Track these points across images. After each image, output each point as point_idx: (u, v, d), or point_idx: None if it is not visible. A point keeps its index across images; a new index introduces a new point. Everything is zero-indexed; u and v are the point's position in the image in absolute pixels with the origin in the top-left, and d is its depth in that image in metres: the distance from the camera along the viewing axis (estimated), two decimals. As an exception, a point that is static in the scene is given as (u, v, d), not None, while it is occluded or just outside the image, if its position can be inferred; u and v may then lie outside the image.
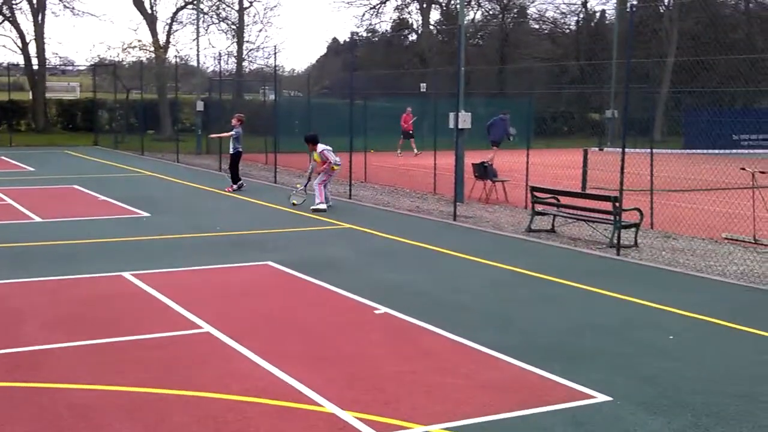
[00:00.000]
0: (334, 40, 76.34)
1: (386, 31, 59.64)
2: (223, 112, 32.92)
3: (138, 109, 42.74)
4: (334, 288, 10.67)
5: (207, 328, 8.74)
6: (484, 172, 20.67)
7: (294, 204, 18.87)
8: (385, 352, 8.05)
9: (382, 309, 9.60)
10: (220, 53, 42.22)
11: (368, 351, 8.11)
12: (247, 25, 51.34)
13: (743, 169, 16.03)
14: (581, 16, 56.06)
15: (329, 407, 6.52)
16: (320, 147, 18.86)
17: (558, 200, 15.89)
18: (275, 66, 27.46)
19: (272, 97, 28.04)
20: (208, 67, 45.96)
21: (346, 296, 10.28)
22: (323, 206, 18.22)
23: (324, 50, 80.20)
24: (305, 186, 19.28)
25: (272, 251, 13.16)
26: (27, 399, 6.71)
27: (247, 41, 51.18)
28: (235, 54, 50.29)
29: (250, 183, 23.25)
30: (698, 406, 6.65)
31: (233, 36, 50.91)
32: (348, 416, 6.33)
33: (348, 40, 54.00)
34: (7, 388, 6.92)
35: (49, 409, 6.48)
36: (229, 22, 50.76)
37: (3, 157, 32.99)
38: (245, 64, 51.30)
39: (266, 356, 7.75)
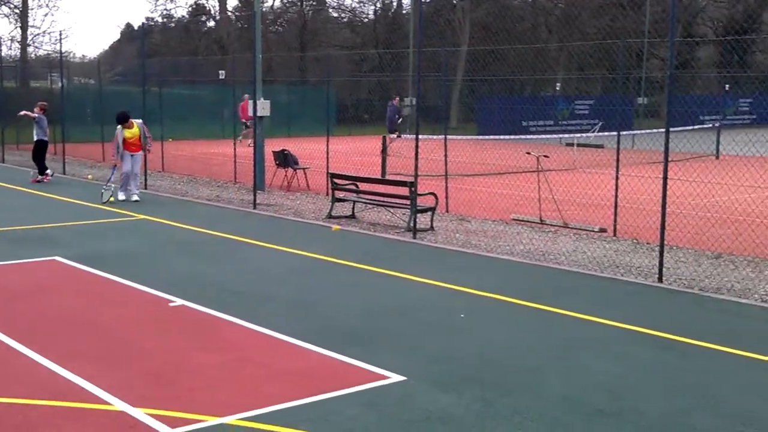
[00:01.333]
0: (128, 25, 73.75)
1: (183, 16, 58.21)
2: (7, 100, 30.95)
3: None
4: (127, 282, 10.29)
5: (-13, 330, 8.18)
6: (284, 159, 20.61)
7: (107, 201, 17.40)
8: (180, 346, 7.84)
9: (178, 301, 9.35)
10: (1, 39, 39.69)
11: (163, 345, 7.86)
12: (32, 9, 48.61)
13: (529, 153, 16.87)
14: (378, 5, 57.08)
15: (119, 405, 6.26)
16: (137, 120, 18.12)
17: (357, 186, 16.09)
18: (61, 52, 26.07)
19: (60, 84, 26.61)
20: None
21: (140, 290, 9.94)
22: (130, 197, 17.62)
23: (118, 36, 77.26)
24: (110, 178, 18.16)
25: (60, 246, 12.51)
26: None
27: (32, 26, 48.43)
28: (19, 39, 47.46)
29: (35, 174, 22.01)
30: (487, 380, 6.92)
31: (17, 20, 48.02)
32: (139, 413, 6.11)
33: (142, 25, 52.19)
34: None
35: None
36: (12, 6, 47.84)
37: None
38: (30, 49, 48.52)
39: (51, 357, 7.34)
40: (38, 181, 21.04)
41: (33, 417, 6.08)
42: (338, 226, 14.04)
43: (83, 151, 26.58)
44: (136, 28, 67.29)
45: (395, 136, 28.20)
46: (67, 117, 26.06)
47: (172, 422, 5.95)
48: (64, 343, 7.80)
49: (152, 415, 6.07)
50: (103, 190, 17.78)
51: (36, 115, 21.20)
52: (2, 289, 9.83)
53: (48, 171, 21.41)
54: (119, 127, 17.71)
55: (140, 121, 18.20)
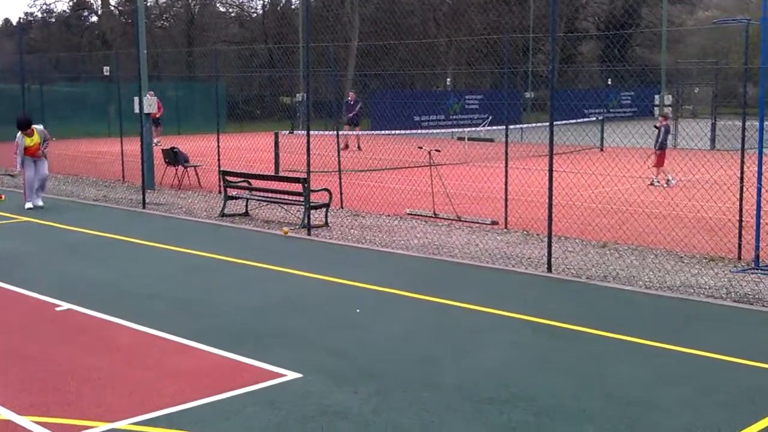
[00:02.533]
0: (6, 21, 70.89)
1: (64, 11, 56.35)
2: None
3: None
4: (9, 287, 9.92)
5: None
6: (174, 157, 20.22)
7: None
8: (67, 351, 7.60)
9: (65, 305, 9.06)
10: None
11: (49, 350, 7.61)
12: None
13: (421, 147, 17.04)
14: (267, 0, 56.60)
15: (5, 414, 6.03)
16: (38, 126, 17.03)
17: (250, 184, 15.93)
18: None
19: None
20: None
21: (24, 294, 9.60)
22: (32, 204, 16.62)
23: (-6, 32, 74.17)
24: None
25: (-62, 251, 11.96)
26: None
27: None
28: None
29: None
30: (383, 372, 6.96)
31: None
32: (25, 421, 5.90)
33: (20, 20, 50.31)
34: None
35: None
36: None
37: None
38: None
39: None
40: None
41: None
42: (287, 229, 13.71)
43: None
44: (14, 23, 64.78)
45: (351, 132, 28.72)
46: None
47: (61, 430, 5.76)
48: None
49: (40, 423, 5.87)
50: None
51: None
52: None
53: None
54: (19, 133, 16.46)
55: (41, 126, 17.15)
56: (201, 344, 7.72)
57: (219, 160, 18.95)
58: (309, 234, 13.68)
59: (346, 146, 29.18)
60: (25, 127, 16.46)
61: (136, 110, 19.06)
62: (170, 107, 36.39)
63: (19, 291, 9.74)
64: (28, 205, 16.56)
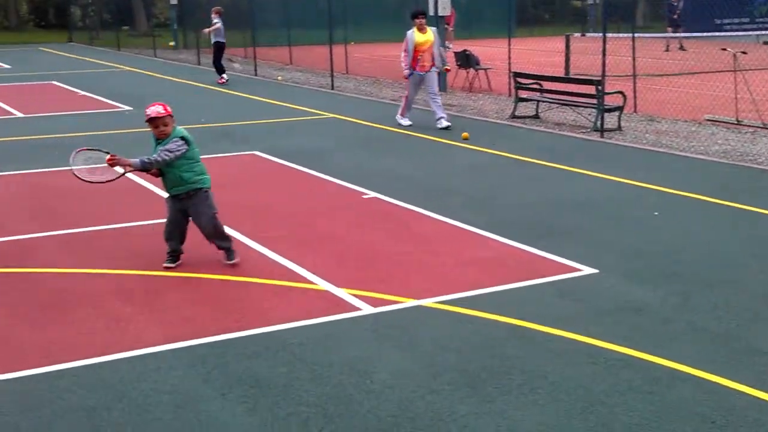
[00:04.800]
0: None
1: None
2: (198, 5, 32.26)
3: (111, 5, 41.77)
4: (321, 175, 10.74)
5: (197, 215, 8.80)
6: (466, 60, 20.49)
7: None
8: (375, 234, 8.18)
9: (371, 194, 9.68)
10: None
11: (358, 233, 8.23)
12: None
13: (724, 49, 15.97)
14: None
15: (323, 285, 6.66)
16: (432, 28, 14.60)
17: (541, 86, 15.85)
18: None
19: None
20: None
21: (334, 182, 10.36)
22: (406, 122, 14.68)
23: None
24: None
25: (258, 141, 13.15)
26: (21, 282, 6.83)
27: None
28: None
29: (230, 76, 22.97)
30: (683, 273, 6.84)
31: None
32: (342, 293, 6.49)
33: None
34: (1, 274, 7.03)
35: (40, 291, 6.60)
36: None
37: (-24, 56, 32.38)
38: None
39: (258, 240, 7.85)
40: (224, 83, 21.88)
41: (252, 291, 6.60)
42: (467, 134, 13.51)
43: (272, 54, 27.42)
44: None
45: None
46: (256, 22, 26.88)
47: (373, 302, 6.28)
48: (266, 228, 8.30)
49: (354, 295, 6.43)
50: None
51: (218, 25, 21.84)
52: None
53: (224, 75, 22.13)
54: (411, 31, 14.23)
55: (434, 29, 14.70)
56: (496, 235, 7.98)
57: (509, 62, 18.97)
58: (602, 137, 13.45)
59: (667, 48, 28.28)
60: (418, 14, 14.26)
61: (431, 12, 19.46)
62: (462, 12, 36.65)
63: (327, 178, 10.53)
64: (405, 121, 14.66)
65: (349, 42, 26.16)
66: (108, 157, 6.89)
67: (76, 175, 7.18)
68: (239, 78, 23.00)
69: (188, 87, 21.61)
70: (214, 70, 22.06)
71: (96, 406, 4.76)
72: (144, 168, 6.96)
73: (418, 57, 14.18)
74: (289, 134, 14.06)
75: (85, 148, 7.27)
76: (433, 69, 14.37)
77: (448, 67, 14.94)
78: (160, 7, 45.23)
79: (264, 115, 16.18)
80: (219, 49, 21.90)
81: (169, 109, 6.95)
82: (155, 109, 6.89)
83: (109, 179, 7.26)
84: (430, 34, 14.18)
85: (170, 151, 6.85)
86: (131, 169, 7.01)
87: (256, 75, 24.04)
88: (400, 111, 14.89)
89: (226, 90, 20.59)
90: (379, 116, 15.89)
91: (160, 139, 6.93)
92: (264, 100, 18.54)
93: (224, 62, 22.23)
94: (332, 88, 20.52)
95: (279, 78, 23.33)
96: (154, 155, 6.88)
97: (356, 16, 34.69)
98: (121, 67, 27.69)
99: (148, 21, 41.26)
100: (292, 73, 24.83)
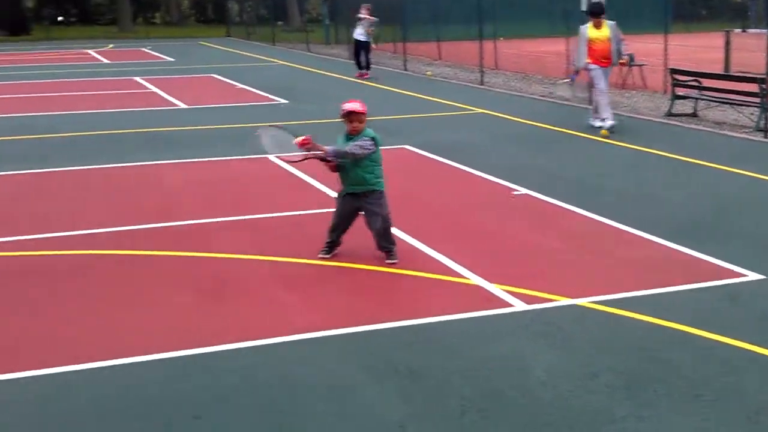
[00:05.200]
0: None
1: None
2: (348, 1, 32.79)
3: (267, 0, 43.06)
4: (471, 170, 10.74)
5: (351, 206, 8.98)
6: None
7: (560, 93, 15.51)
8: (527, 231, 8.13)
9: (521, 190, 9.62)
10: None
11: (510, 229, 8.20)
12: None
13: None
14: None
15: (475, 280, 6.68)
16: (610, 22, 13.36)
17: (700, 83, 15.29)
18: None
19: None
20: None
21: (484, 178, 10.35)
22: (608, 123, 13.25)
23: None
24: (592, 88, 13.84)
25: (408, 136, 13.28)
26: (195, 265, 7.17)
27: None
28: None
29: (381, 71, 23.27)
30: None
31: None
32: (494, 288, 6.48)
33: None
34: (175, 257, 7.40)
35: (214, 274, 6.91)
36: None
37: (143, 49, 34.13)
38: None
39: (412, 233, 7.94)
40: (365, 77, 22.20)
41: (406, 283, 6.70)
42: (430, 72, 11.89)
43: (421, 49, 27.60)
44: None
45: None
46: (407, 17, 27.11)
47: (526, 299, 6.25)
48: (418, 222, 8.38)
49: (507, 291, 6.41)
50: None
51: (374, 18, 22.19)
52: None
53: (363, 70, 22.38)
54: (585, 25, 13.39)
55: (613, 22, 13.44)
56: (652, 235, 7.76)
57: (666, 59, 18.37)
58: (766, 137, 12.85)
59: None
60: (597, 13, 13.21)
61: (583, 8, 19.09)
62: (614, 7, 35.72)
63: (478, 174, 10.52)
64: (600, 123, 13.38)
65: (499, 37, 25.99)
66: (302, 139, 6.97)
67: (266, 150, 7.53)
68: (390, 73, 23.25)
69: (339, 81, 22.05)
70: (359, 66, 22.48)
71: (258, 386, 4.95)
72: (335, 156, 6.99)
73: (593, 52, 13.21)
74: (439, 129, 14.13)
75: (275, 125, 7.46)
76: (601, 66, 13.27)
77: (624, 60, 13.84)
78: (312, 3, 46.31)
79: (414, 110, 16.32)
80: (358, 46, 22.24)
81: (365, 106, 7.06)
82: (353, 105, 6.99)
83: (293, 160, 7.63)
84: (605, 30, 13.21)
85: (362, 148, 6.93)
86: (321, 155, 7.04)
87: (405, 70, 24.25)
88: (596, 113, 13.59)
89: (376, 85, 20.87)
90: (529, 112, 15.74)
91: (352, 134, 7.01)
92: (413, 94, 18.69)
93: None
94: (481, 84, 20.48)
95: (428, 73, 23.47)
96: (347, 147, 6.95)
97: (505, 11, 34.39)
98: (276, 61, 28.54)
99: (301, 16, 42.33)
100: (441, 69, 24.92)
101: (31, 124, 14.92)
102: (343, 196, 7.27)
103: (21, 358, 5.35)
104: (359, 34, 22.12)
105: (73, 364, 5.23)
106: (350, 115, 6.98)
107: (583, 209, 8.75)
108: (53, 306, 6.29)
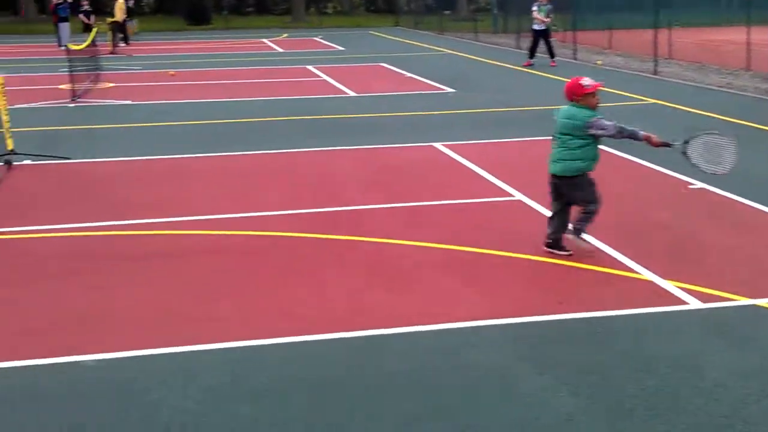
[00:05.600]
0: None
1: None
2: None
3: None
4: (644, 162, 10.43)
5: (518, 195, 8.94)
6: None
7: None
8: (702, 226, 7.83)
9: (697, 184, 9.25)
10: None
11: (685, 224, 7.92)
12: None
13: None
14: None
15: (647, 275, 6.49)
16: None
17: None
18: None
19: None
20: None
21: (658, 170, 10.03)
22: None
23: None
24: None
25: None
26: (363, 250, 7.34)
27: None
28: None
29: (547, 60, 22.90)
30: None
31: None
32: (668, 285, 6.28)
33: None
34: (335, 240, 7.60)
35: (372, 258, 7.05)
36: None
37: (315, 38, 35.09)
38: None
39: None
40: (530, 65, 22.02)
41: (575, 276, 6.61)
42: None
43: (591, 38, 26.96)
44: None
45: None
46: (578, 5, 26.56)
47: (702, 297, 6.02)
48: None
49: (681, 288, 6.20)
50: None
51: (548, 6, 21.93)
52: (529, 159, 10.57)
53: (532, 60, 22.25)
54: None
55: None
56: (844, 238, 7.31)
57: None
58: None
59: None
60: None
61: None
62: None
63: (651, 166, 10.19)
64: None
65: (674, 26, 25.02)
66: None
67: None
68: (558, 62, 22.81)
69: (507, 71, 21.90)
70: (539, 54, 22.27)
71: (419, 368, 5.02)
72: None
73: None
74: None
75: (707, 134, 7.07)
76: None
77: None
78: (480, -9, 46.15)
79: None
80: (540, 33, 22.01)
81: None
82: (591, 81, 6.87)
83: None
84: None
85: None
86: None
87: (575, 59, 23.78)
88: None
89: (544, 74, 20.58)
90: (705, 103, 15.09)
91: (594, 110, 6.84)
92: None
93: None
94: (654, 73, 19.80)
95: (598, 62, 22.91)
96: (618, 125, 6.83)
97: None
98: (443, 50, 28.62)
99: (469, 5, 42.25)
100: (611, 58, 24.27)
101: (209, 110, 15.65)
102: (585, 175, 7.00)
103: (230, 330, 5.64)
104: (535, 23, 21.97)
105: (262, 338, 5.47)
106: (594, 93, 6.82)
107: (763, 205, 8.32)
108: (247, 282, 6.59)
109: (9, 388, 4.88)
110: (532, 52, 22.24)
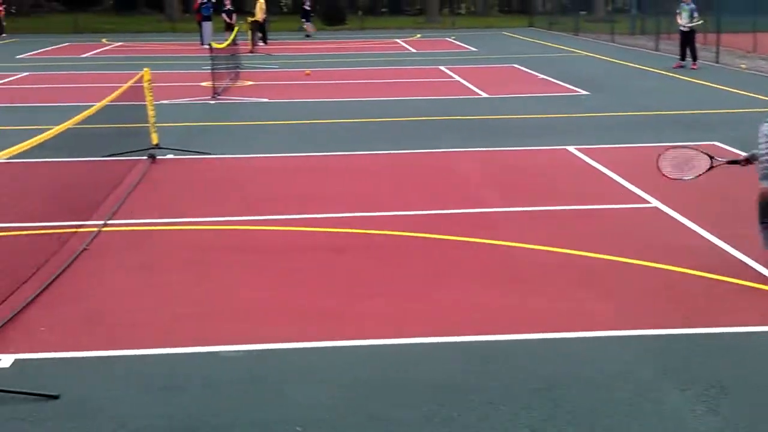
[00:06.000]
0: None
1: None
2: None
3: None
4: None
5: (654, 203, 8.69)
6: None
7: None
8: None
9: None
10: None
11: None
12: None
13: None
14: None
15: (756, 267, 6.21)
16: None
17: None
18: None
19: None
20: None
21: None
22: None
23: None
24: None
25: (718, 132, 12.56)
26: (490, 252, 7.30)
27: None
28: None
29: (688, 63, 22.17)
30: None
31: None
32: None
33: None
34: (470, 243, 7.57)
35: (509, 263, 6.99)
36: None
37: (448, 39, 35.13)
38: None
39: (718, 234, 7.52)
40: (680, 66, 21.37)
41: (716, 288, 6.37)
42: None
43: (735, 41, 25.93)
44: None
45: None
46: (721, 7, 25.56)
47: None
48: (726, 221, 7.90)
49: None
50: None
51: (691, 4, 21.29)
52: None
53: (686, 61, 21.52)
54: None
55: None
56: None
57: None
58: None
59: None
60: None
61: None
62: None
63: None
64: None
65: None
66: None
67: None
68: (700, 65, 22.05)
69: (645, 73, 21.31)
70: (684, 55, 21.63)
71: (549, 375, 4.95)
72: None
73: None
74: (751, 126, 13.18)
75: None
76: None
77: None
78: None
79: (724, 105, 15.37)
80: (685, 34, 21.37)
81: None
82: None
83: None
84: None
85: None
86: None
87: (717, 62, 22.93)
88: None
89: (684, 77, 19.93)
90: None
91: None
92: (725, 88, 17.61)
93: None
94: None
95: (742, 66, 22.01)
96: None
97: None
98: (578, 51, 28.12)
99: (606, 6, 41.35)
100: (756, 62, 23.27)
101: (342, 109, 15.87)
102: None
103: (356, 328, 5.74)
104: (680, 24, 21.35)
105: (404, 337, 5.56)
106: None
107: None
108: (393, 281, 6.68)
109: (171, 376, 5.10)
110: (683, 54, 21.65)
